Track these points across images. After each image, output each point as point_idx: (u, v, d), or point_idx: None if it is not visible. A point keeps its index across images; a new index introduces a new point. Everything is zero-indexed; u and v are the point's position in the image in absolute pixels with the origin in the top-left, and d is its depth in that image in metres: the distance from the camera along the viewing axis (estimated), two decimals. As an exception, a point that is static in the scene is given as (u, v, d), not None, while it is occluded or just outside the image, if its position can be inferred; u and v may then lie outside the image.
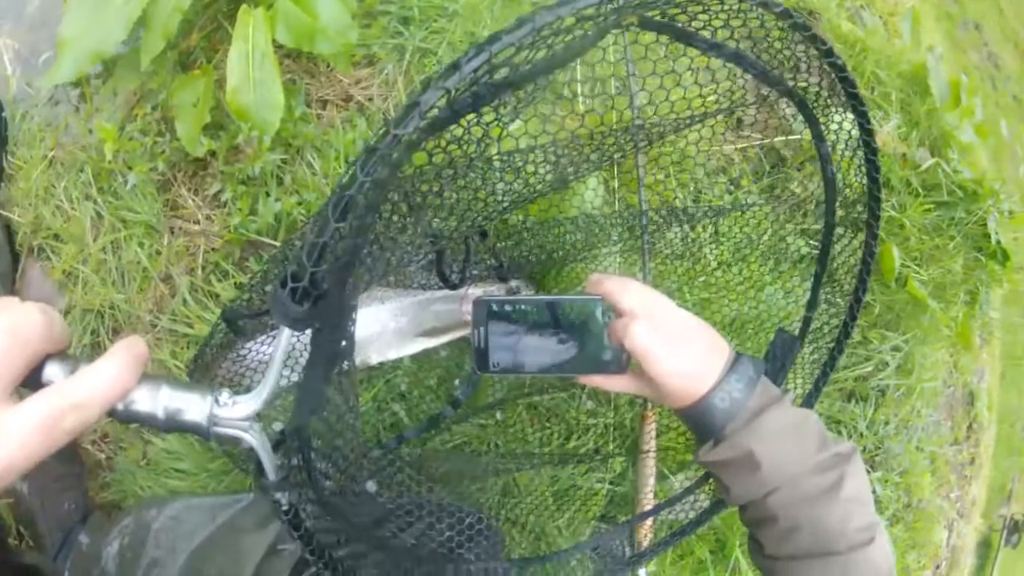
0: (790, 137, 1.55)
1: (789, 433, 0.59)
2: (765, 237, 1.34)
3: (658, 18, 0.54)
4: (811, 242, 1.48)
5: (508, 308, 0.70)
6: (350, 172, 0.34)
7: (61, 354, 0.40)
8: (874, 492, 1.57)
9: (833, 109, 0.75)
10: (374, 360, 0.90)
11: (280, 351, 0.40)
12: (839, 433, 1.54)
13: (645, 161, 1.18)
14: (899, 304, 1.63)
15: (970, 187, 1.73)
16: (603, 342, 0.69)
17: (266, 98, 0.96)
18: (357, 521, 0.58)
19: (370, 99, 1.15)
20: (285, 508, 0.44)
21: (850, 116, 1.50)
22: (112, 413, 0.41)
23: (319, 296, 0.35)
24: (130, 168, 1.06)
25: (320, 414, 0.45)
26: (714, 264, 1.25)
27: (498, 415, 0.96)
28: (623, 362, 0.69)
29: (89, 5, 0.95)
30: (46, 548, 0.95)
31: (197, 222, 1.08)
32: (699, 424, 0.61)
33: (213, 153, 1.06)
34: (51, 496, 0.95)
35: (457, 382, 0.95)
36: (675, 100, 0.63)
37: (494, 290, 0.95)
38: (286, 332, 0.39)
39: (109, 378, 0.38)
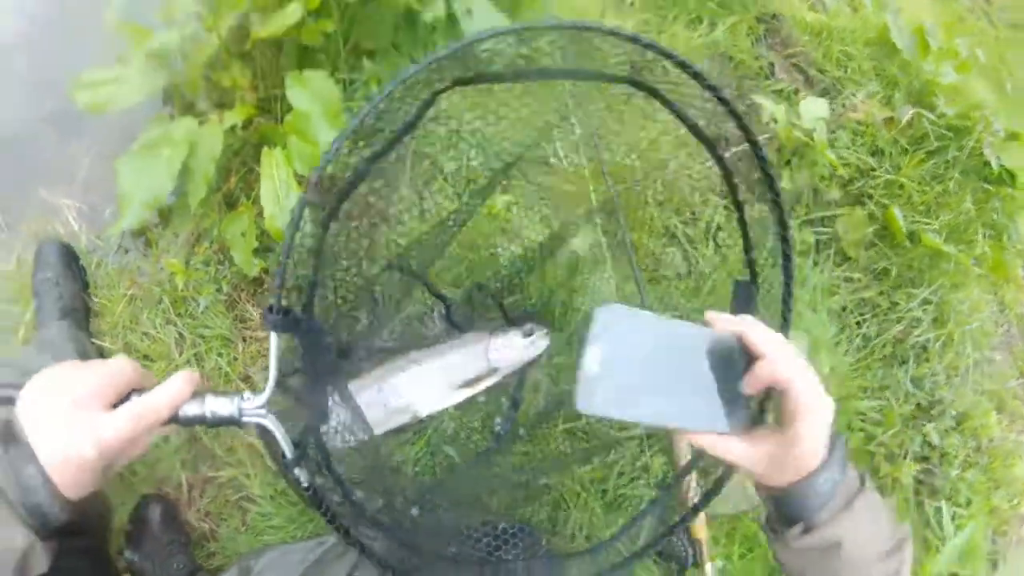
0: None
1: (870, 521, 0.59)
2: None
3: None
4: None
5: (637, 326, 0.56)
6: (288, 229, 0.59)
7: (144, 389, 0.59)
8: (936, 446, 1.60)
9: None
10: (423, 414, 1.03)
11: (272, 355, 0.60)
12: (887, 401, 1.56)
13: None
14: (918, 260, 1.67)
15: (955, 124, 1.77)
16: (737, 393, 0.58)
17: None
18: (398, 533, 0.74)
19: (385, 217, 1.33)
20: (305, 486, 0.60)
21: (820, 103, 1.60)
22: (176, 419, 0.59)
23: (287, 312, 0.60)
24: (200, 294, 1.27)
25: (325, 421, 0.67)
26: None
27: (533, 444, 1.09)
28: (748, 422, 0.59)
29: (137, 163, 1.14)
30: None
31: (263, 329, 1.28)
32: (792, 505, 0.58)
33: (265, 271, 1.26)
34: (161, 559, 1.11)
35: (498, 419, 1.08)
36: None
37: (513, 335, 1.07)
38: (273, 337, 0.59)
39: (170, 390, 0.58)
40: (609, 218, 1.20)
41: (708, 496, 0.73)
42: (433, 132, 1.22)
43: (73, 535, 0.58)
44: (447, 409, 1.04)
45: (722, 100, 0.67)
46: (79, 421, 0.54)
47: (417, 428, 1.08)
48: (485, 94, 1.04)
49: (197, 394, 0.61)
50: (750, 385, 0.57)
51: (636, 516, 0.83)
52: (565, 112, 1.16)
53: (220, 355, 1.25)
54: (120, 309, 1.26)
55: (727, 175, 0.75)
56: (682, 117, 0.75)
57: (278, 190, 1.13)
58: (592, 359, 0.54)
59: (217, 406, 0.60)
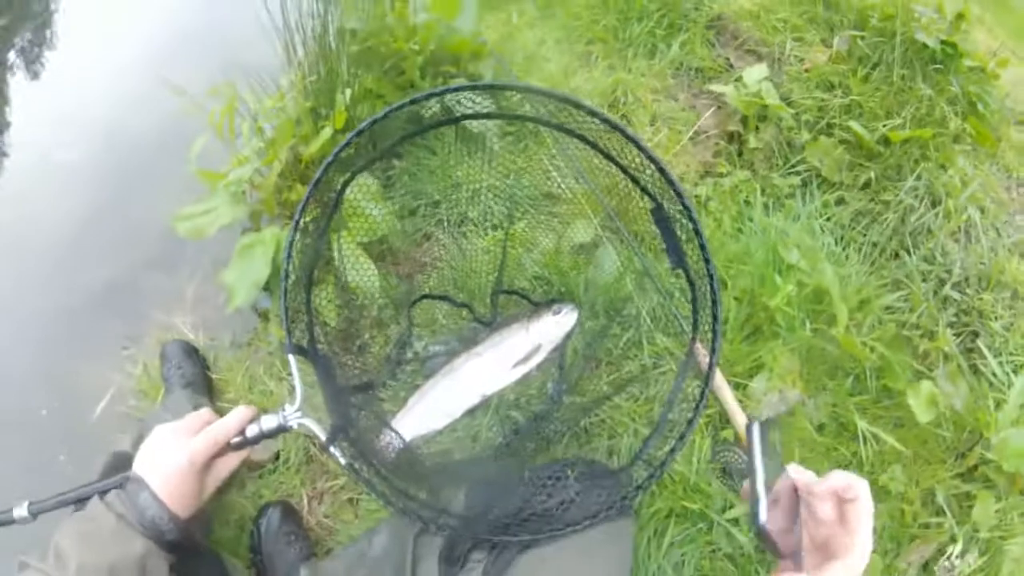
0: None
1: None
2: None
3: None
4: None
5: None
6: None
7: None
8: (971, 308, 1.69)
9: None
10: (489, 392, 1.30)
11: (294, 372, 0.88)
12: (907, 287, 1.67)
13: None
14: (895, 159, 1.81)
15: (883, 26, 1.95)
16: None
17: (366, 276, 1.42)
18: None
19: (434, 264, 1.61)
20: (343, 463, 0.83)
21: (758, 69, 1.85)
22: (246, 442, 0.85)
23: (299, 347, 0.89)
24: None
25: (352, 425, 0.91)
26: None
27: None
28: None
29: (238, 262, 1.48)
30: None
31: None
32: None
33: (350, 320, 1.48)
34: (280, 548, 1.29)
35: (549, 384, 1.34)
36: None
37: (545, 316, 1.34)
38: (291, 358, 0.88)
39: (233, 415, 0.85)
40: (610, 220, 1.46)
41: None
42: (458, 195, 1.53)
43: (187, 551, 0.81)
44: (508, 385, 1.32)
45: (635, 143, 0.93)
46: (174, 445, 0.82)
47: (485, 405, 1.33)
48: (491, 159, 1.38)
49: (254, 421, 0.87)
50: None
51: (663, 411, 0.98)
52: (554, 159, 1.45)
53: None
54: (239, 379, 1.58)
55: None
56: (605, 153, 1.01)
57: (350, 258, 1.44)
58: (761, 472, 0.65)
59: (267, 422, 0.87)
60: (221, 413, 1.48)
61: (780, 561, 0.65)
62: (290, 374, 0.96)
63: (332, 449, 0.85)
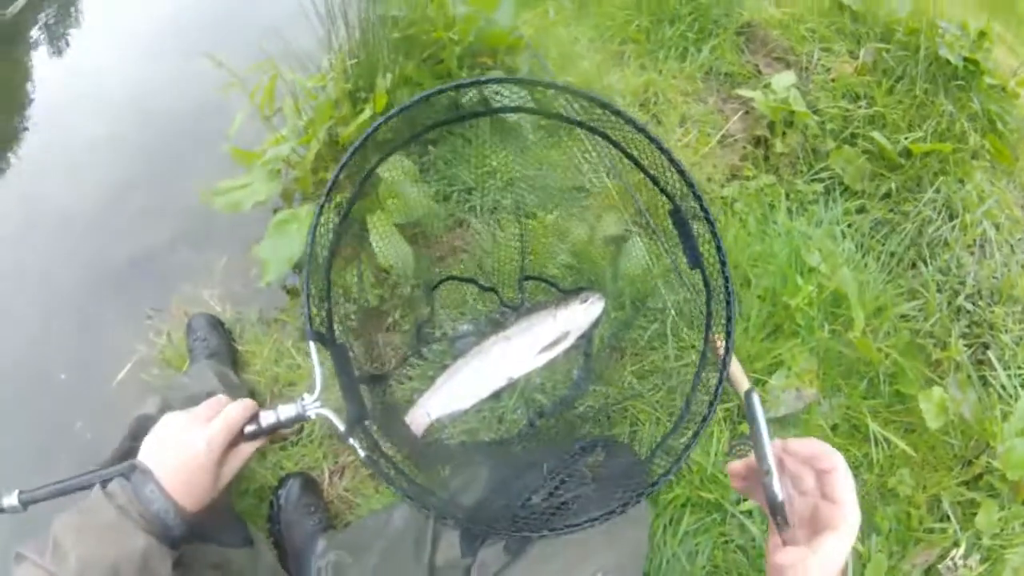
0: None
1: None
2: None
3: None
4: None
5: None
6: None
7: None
8: (981, 320, 1.73)
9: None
10: (516, 375, 1.33)
11: (315, 359, 0.84)
12: (923, 297, 1.70)
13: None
14: (915, 171, 1.86)
15: (908, 41, 2.00)
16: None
17: (401, 255, 1.44)
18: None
19: (465, 248, 1.65)
20: (362, 454, 0.81)
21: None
22: (262, 431, 0.81)
23: (319, 333, 0.87)
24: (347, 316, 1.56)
25: (366, 416, 0.90)
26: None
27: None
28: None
29: (273, 237, 1.49)
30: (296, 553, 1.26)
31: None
32: None
33: (382, 298, 1.54)
34: (298, 518, 1.29)
35: (575, 371, 1.37)
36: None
37: (573, 304, 1.37)
38: (311, 345, 0.85)
39: (241, 403, 0.80)
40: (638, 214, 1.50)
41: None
42: (492, 183, 1.57)
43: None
44: (535, 369, 1.36)
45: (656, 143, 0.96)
46: (189, 432, 0.76)
47: (511, 388, 1.36)
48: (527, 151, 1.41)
49: (270, 409, 0.82)
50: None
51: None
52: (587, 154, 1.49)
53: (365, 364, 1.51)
54: (266, 352, 1.60)
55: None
56: (625, 153, 1.05)
57: (386, 238, 1.46)
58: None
59: (286, 411, 0.83)
60: (246, 385, 1.56)
61: (771, 536, 0.63)
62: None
63: (351, 441, 0.83)
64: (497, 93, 1.13)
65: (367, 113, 1.56)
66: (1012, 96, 2.06)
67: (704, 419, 0.91)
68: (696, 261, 0.99)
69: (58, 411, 1.64)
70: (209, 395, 0.83)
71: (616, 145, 1.05)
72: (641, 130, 0.97)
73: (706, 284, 0.99)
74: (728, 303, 0.92)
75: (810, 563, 0.57)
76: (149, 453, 0.75)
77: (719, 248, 0.93)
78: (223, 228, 1.87)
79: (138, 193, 2.02)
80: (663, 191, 1.03)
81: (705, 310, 0.99)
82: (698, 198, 0.95)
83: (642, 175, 1.05)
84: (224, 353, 1.58)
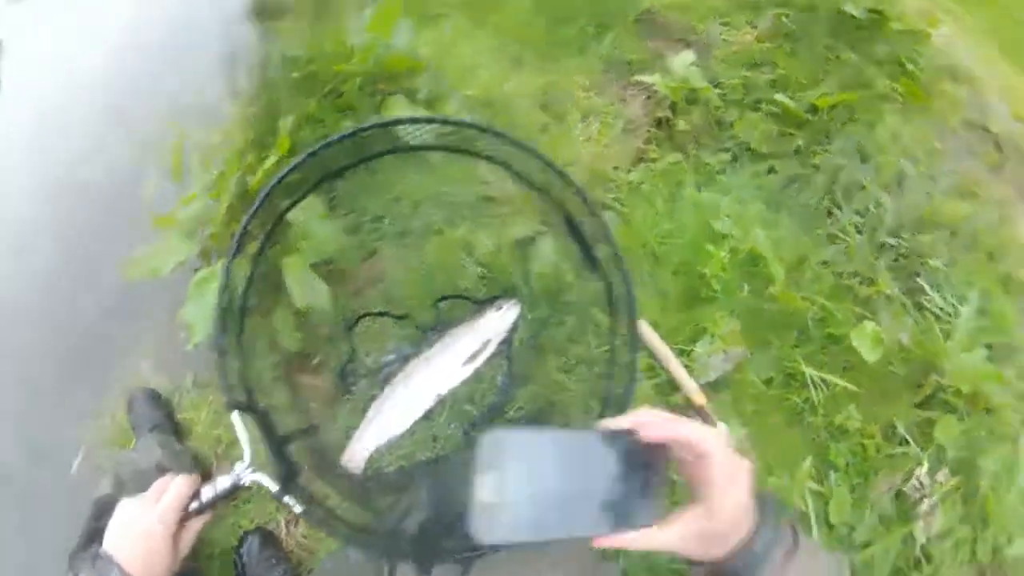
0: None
1: (811, 569, 0.61)
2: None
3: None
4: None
5: (526, 445, 0.57)
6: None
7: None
8: (908, 251, 1.77)
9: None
10: (444, 391, 1.34)
11: (239, 427, 0.88)
12: (843, 240, 1.75)
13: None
14: (821, 123, 1.89)
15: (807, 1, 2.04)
16: (645, 485, 0.60)
17: (318, 294, 1.46)
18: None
19: (380, 277, 1.65)
20: (298, 510, 0.85)
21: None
22: (203, 507, 0.85)
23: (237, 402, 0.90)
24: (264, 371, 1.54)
25: (296, 473, 0.94)
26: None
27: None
28: (662, 510, 0.61)
29: (194, 299, 1.50)
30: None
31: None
32: (730, 572, 0.60)
33: (304, 341, 1.51)
34: (264, 571, 1.35)
35: (500, 377, 1.39)
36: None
37: (488, 312, 1.41)
38: (233, 416, 0.88)
39: (184, 480, 0.85)
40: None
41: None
42: (399, 208, 1.60)
43: None
44: (462, 382, 1.39)
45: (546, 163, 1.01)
46: (143, 513, 0.83)
47: (440, 406, 1.38)
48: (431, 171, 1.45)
49: (211, 482, 0.88)
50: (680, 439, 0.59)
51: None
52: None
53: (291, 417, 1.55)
54: (204, 416, 1.64)
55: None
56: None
57: (302, 280, 1.49)
58: (485, 489, 0.54)
59: (222, 483, 0.87)
60: (190, 451, 1.58)
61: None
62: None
63: (286, 499, 0.87)
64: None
65: (272, 159, 1.60)
66: (924, 37, 2.11)
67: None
68: (594, 264, 1.06)
69: (26, 509, 1.67)
70: (157, 466, 0.95)
71: (504, 165, 1.10)
72: (519, 146, 1.01)
73: (607, 284, 1.05)
74: (630, 299, 0.99)
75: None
76: (110, 541, 0.81)
77: (615, 250, 1.00)
78: (148, 297, 1.86)
79: (65, 273, 2.03)
80: (554, 201, 1.08)
81: (608, 309, 1.06)
82: (585, 202, 1.00)
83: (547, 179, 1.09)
84: (166, 424, 1.63)
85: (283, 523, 1.49)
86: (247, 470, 0.88)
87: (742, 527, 0.59)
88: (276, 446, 0.97)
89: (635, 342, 1.00)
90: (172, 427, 1.63)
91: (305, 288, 1.46)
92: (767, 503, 0.61)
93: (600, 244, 1.08)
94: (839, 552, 1.41)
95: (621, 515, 0.59)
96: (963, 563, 1.44)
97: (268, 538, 1.42)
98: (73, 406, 1.77)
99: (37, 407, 1.82)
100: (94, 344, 1.88)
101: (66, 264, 2.05)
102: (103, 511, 0.87)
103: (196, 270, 1.65)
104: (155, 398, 1.68)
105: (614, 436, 0.60)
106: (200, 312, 1.51)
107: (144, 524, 0.82)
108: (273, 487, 0.87)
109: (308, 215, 1.48)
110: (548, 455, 0.57)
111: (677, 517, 0.61)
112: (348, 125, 1.63)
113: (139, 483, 0.91)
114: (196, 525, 0.88)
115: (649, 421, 0.60)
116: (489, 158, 1.11)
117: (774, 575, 0.59)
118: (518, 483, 0.55)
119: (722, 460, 0.59)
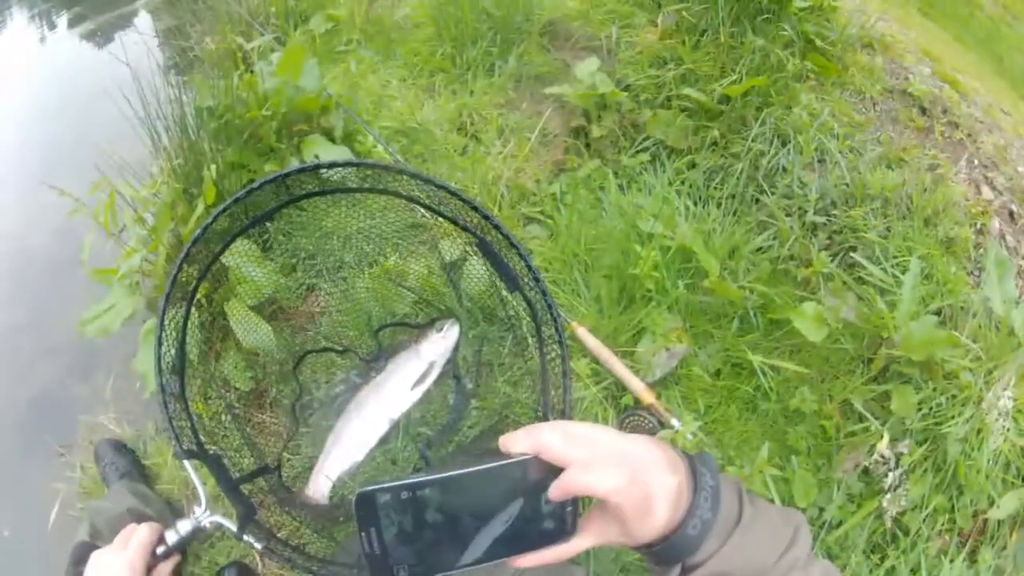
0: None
1: (756, 541, 0.58)
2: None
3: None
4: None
5: (405, 496, 0.56)
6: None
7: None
8: (840, 226, 1.77)
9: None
10: (396, 416, 1.33)
11: (191, 474, 0.91)
12: (773, 225, 1.75)
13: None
14: (735, 112, 1.91)
15: None
16: (540, 509, 0.58)
17: (261, 335, 1.48)
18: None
19: (322, 312, 1.65)
20: (258, 547, 0.89)
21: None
22: (170, 550, 0.90)
23: (189, 451, 0.91)
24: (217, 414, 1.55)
25: (255, 511, 0.96)
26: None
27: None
28: (570, 523, 0.59)
29: (147, 346, 1.54)
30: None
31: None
32: (663, 555, 0.57)
33: (256, 379, 1.56)
34: None
35: (450, 396, 1.38)
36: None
37: (430, 335, 1.39)
38: (185, 463, 0.91)
39: (147, 528, 0.89)
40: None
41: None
42: (331, 243, 1.59)
43: None
44: (413, 405, 1.37)
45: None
46: (113, 562, 0.88)
47: (395, 430, 1.38)
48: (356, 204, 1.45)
49: (173, 529, 0.92)
50: (556, 495, 0.56)
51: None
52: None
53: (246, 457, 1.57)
54: (170, 460, 1.66)
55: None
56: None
57: (244, 322, 1.52)
58: (366, 544, 0.57)
59: (184, 527, 0.91)
60: (161, 496, 1.63)
61: None
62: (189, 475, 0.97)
63: (245, 538, 0.89)
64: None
65: (200, 208, 1.59)
66: (830, 10, 2.13)
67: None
68: (514, 284, 1.07)
69: (11, 566, 1.75)
70: (130, 511, 1.09)
71: (413, 200, 1.12)
72: (427, 180, 1.02)
73: (529, 304, 1.07)
74: (555, 319, 1.00)
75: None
76: None
77: (530, 268, 1.01)
78: (103, 351, 1.96)
79: (19, 337, 2.12)
80: (465, 228, 1.10)
81: (535, 328, 1.07)
82: (496, 227, 1.02)
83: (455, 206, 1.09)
84: (134, 471, 1.71)
85: (258, 556, 1.50)
86: (204, 513, 0.92)
87: (659, 521, 0.56)
88: (230, 488, 0.99)
89: (565, 351, 1.02)
90: (141, 473, 1.70)
91: (248, 330, 1.50)
92: (702, 482, 0.58)
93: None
94: (793, 509, 1.39)
95: (532, 535, 0.59)
96: (943, 531, 1.42)
97: (245, 572, 1.40)
98: (44, 464, 1.85)
99: (7, 468, 1.90)
100: (58, 401, 1.99)
101: (21, 331, 2.15)
102: (81, 558, 0.96)
103: (145, 321, 1.70)
104: (120, 447, 1.76)
105: (504, 464, 0.58)
106: (151, 361, 1.50)
107: (115, 570, 0.87)
108: (232, 527, 0.91)
109: (241, 260, 1.50)
110: (431, 498, 0.57)
111: (596, 518, 0.60)
112: (269, 169, 1.70)
113: (113, 529, 0.98)
114: (166, 568, 0.92)
115: (508, 439, 0.60)
116: (396, 194, 1.13)
117: (708, 554, 0.57)
118: (397, 532, 0.57)
119: (608, 490, 0.55)
